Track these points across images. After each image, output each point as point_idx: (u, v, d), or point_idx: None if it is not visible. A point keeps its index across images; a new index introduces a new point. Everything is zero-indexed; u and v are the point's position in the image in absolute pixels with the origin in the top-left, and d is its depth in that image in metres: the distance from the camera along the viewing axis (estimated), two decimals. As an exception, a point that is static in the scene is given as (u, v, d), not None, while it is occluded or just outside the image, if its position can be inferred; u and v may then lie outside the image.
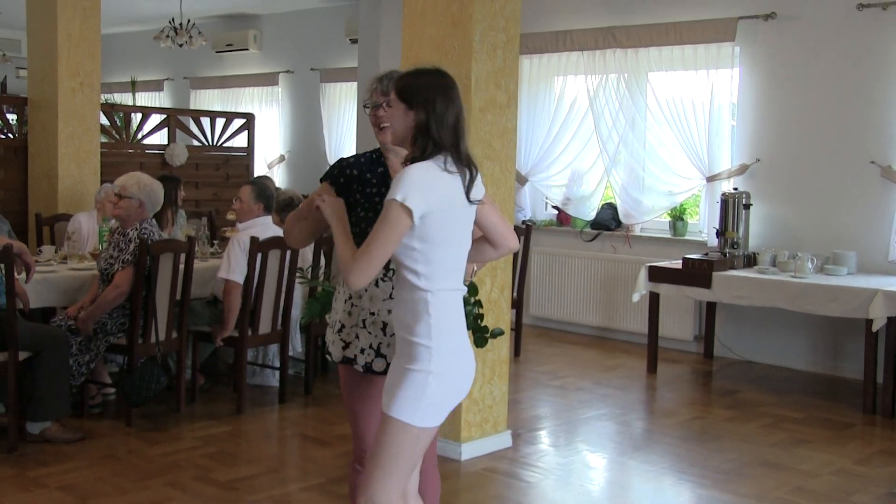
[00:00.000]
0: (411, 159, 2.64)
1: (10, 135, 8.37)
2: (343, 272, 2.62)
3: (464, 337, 2.73)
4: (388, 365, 2.85)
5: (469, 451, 4.80)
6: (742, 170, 7.20)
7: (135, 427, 5.17)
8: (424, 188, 2.58)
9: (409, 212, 2.55)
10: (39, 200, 7.59)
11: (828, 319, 6.59)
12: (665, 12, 7.53)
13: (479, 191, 2.75)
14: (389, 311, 2.86)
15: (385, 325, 2.90)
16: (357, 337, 2.93)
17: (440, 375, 2.63)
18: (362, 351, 2.93)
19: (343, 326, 2.97)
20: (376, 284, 2.90)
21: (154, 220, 5.36)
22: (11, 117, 9.05)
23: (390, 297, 2.88)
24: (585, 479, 4.73)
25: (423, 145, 2.63)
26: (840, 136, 6.76)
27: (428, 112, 2.63)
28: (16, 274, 4.66)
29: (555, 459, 4.98)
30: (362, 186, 2.94)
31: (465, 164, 2.68)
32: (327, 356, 3.06)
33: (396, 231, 2.57)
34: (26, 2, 7.68)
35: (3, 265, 4.60)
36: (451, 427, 4.79)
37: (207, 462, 4.63)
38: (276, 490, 4.33)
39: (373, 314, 2.92)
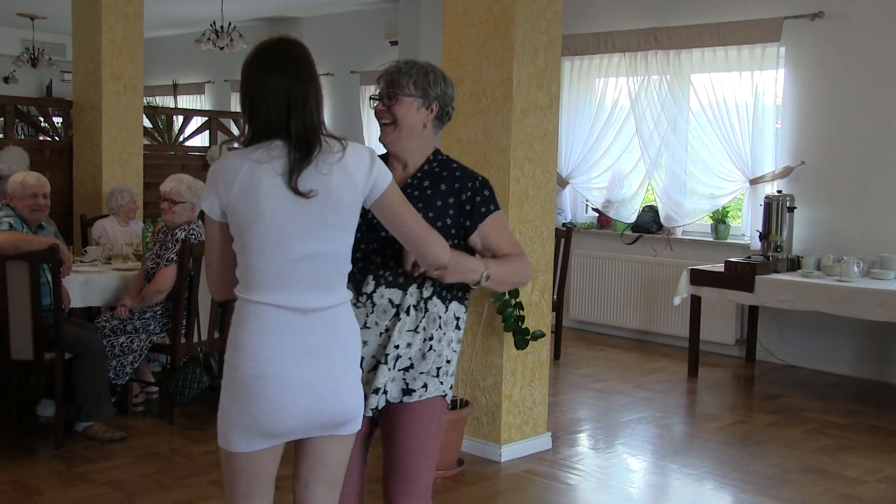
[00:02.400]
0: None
1: (56, 137, 8.53)
2: None
3: (285, 359, 2.23)
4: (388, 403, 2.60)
5: (509, 452, 4.79)
6: (786, 172, 7.10)
7: (177, 426, 5.22)
8: (216, 182, 2.24)
9: (209, 214, 2.28)
10: (84, 202, 7.71)
11: (874, 324, 6.48)
12: (708, 13, 7.46)
13: (322, 179, 2.21)
14: (365, 343, 2.53)
15: (361, 358, 2.54)
16: None
17: (226, 394, 2.30)
18: None
19: None
20: None
21: (201, 223, 5.43)
22: (57, 120, 9.22)
23: (365, 325, 2.54)
24: (626, 482, 4.69)
25: (241, 130, 2.30)
26: (888, 138, 6.65)
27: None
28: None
29: (595, 462, 4.95)
30: None
31: (296, 146, 2.20)
32: None
33: (209, 238, 2.34)
34: (72, 7, 7.80)
35: (48, 266, 4.69)
36: (491, 429, 4.79)
37: (249, 461, 4.65)
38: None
39: None
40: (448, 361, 2.63)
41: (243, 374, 2.25)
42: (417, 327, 2.56)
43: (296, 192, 2.18)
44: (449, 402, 2.69)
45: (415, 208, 2.47)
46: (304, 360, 2.25)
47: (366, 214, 2.48)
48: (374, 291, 2.54)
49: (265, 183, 2.19)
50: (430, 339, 2.57)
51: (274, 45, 2.28)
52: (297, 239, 2.22)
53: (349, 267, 2.36)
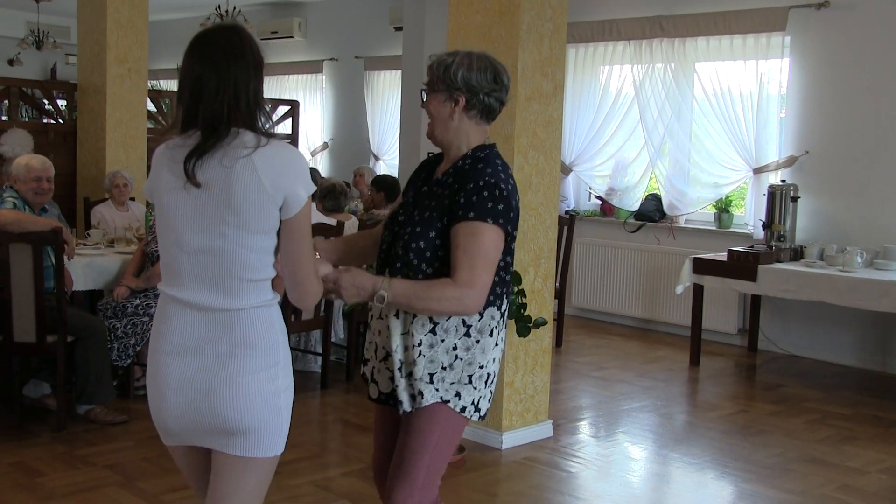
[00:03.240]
0: None
1: (60, 120, 8.52)
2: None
3: (172, 356, 2.20)
4: (379, 393, 2.61)
5: (510, 440, 4.80)
6: (790, 162, 7.08)
7: (179, 410, 5.22)
8: (151, 168, 2.28)
9: (147, 198, 2.33)
10: (87, 185, 7.70)
11: (877, 315, 6.48)
12: (713, 2, 7.43)
13: (220, 174, 2.11)
14: (379, 332, 2.58)
15: (377, 347, 2.61)
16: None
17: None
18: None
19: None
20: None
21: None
22: (61, 103, 9.21)
23: (380, 316, 2.58)
24: (626, 471, 4.70)
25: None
26: (893, 129, 6.62)
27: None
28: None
29: (596, 450, 4.95)
30: (410, 188, 2.67)
31: (202, 135, 2.14)
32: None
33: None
34: (77, -11, 7.78)
35: (52, 248, 4.70)
36: (493, 416, 4.79)
37: (250, 446, 4.66)
38: (317, 475, 4.36)
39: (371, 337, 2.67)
40: (445, 368, 2.49)
41: (150, 360, 2.27)
42: (406, 331, 2.49)
43: (189, 178, 2.12)
44: (462, 409, 2.54)
45: (430, 206, 2.49)
46: (190, 358, 2.19)
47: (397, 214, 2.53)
48: None
49: (168, 170, 2.18)
50: (420, 344, 2.48)
51: (202, 33, 2.22)
52: (189, 230, 2.16)
53: (264, 274, 2.20)
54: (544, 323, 4.79)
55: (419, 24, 8.77)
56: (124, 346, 5.13)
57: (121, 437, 4.76)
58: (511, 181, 2.54)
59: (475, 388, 2.55)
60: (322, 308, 5.72)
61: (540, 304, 4.85)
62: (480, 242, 2.40)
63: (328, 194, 6.15)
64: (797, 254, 6.60)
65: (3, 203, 4.84)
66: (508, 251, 2.53)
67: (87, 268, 5.35)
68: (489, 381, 2.59)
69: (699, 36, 7.51)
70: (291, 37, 11.41)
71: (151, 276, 5.23)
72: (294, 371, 2.39)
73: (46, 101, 8.91)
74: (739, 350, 7.33)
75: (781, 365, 6.93)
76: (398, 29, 9.83)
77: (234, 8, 10.24)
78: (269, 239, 2.18)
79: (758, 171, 7.23)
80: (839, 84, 6.88)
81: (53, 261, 4.77)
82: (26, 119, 10.02)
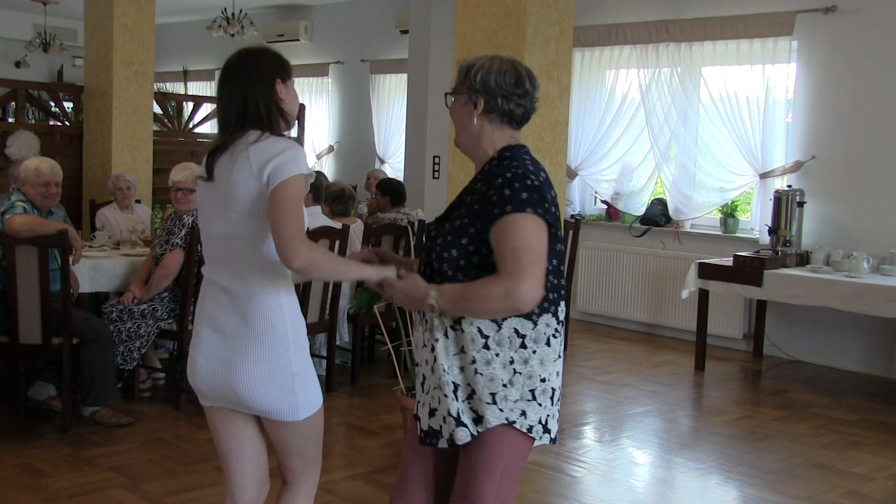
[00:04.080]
0: None
1: (67, 122, 8.54)
2: None
3: (205, 328, 2.49)
4: (420, 430, 2.44)
5: (514, 444, 4.78)
6: (797, 167, 7.07)
7: (183, 412, 5.23)
8: None
9: None
10: (93, 187, 7.72)
11: (883, 320, 6.46)
12: (720, 6, 7.42)
13: (230, 168, 2.40)
14: (426, 362, 2.41)
15: (424, 379, 2.45)
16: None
17: None
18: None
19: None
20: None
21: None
22: (68, 105, 9.23)
23: (423, 344, 2.44)
24: (631, 475, 4.69)
25: None
26: (899, 134, 6.62)
27: None
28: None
29: (600, 455, 4.94)
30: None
31: (218, 135, 2.51)
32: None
33: None
34: (84, -9, 7.81)
35: (58, 250, 4.70)
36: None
37: (254, 448, 4.66)
38: (321, 478, 4.31)
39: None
40: (506, 385, 2.33)
41: (192, 337, 2.59)
42: (464, 348, 2.34)
43: (207, 171, 2.46)
44: (529, 428, 2.37)
45: (460, 214, 2.38)
46: (216, 332, 2.48)
47: (428, 233, 2.48)
48: None
49: (202, 168, 2.52)
50: (473, 361, 2.33)
51: (229, 58, 2.54)
52: (210, 218, 2.48)
53: (270, 258, 2.41)
54: (549, 327, 4.77)
55: (425, 28, 8.77)
56: (129, 350, 5.13)
57: (126, 439, 4.77)
58: (543, 174, 2.37)
59: (540, 405, 2.37)
60: (327, 311, 5.72)
61: (545, 308, 4.84)
62: (521, 235, 2.24)
63: (337, 198, 6.16)
64: (803, 259, 6.59)
65: (13, 208, 4.84)
66: (554, 253, 2.35)
67: (93, 270, 5.36)
68: (555, 398, 2.42)
69: (706, 40, 7.50)
70: (297, 40, 11.42)
71: (152, 285, 5.20)
72: (299, 374, 2.44)
73: (53, 104, 8.94)
74: (745, 355, 7.31)
75: (787, 370, 6.91)
76: (404, 32, 9.84)
77: (241, 11, 10.26)
78: (268, 222, 2.39)
79: (764, 175, 7.22)
80: (846, 89, 6.87)
81: (59, 263, 4.77)
82: (33, 121, 10.05)
